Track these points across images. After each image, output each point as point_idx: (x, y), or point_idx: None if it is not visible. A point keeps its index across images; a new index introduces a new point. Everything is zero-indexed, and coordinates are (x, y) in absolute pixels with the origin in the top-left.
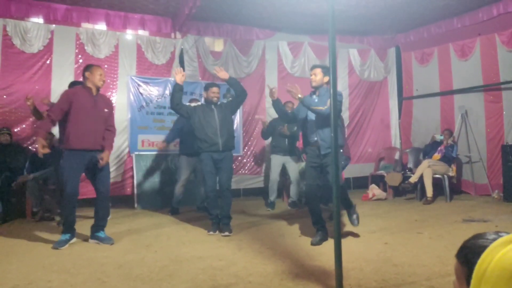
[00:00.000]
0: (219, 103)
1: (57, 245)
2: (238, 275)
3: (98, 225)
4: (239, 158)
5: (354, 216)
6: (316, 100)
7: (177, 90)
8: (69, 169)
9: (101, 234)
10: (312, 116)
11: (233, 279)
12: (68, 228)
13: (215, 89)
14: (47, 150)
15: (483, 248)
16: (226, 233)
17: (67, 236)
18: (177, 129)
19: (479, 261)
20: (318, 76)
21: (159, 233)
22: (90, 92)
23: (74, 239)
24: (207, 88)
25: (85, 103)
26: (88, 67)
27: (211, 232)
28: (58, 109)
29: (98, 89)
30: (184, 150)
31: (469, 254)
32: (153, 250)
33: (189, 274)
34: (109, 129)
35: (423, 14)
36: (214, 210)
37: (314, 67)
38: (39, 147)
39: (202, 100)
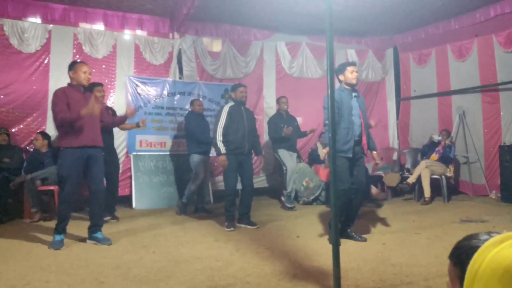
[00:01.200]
0: (243, 107)
1: (54, 246)
2: (236, 276)
3: (95, 226)
4: None
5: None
6: (357, 104)
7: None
8: (69, 167)
9: (98, 235)
10: (354, 117)
11: (231, 279)
12: (63, 228)
13: (242, 88)
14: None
15: (475, 248)
16: (257, 226)
17: (61, 236)
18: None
19: (471, 262)
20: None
21: (157, 233)
22: (79, 90)
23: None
24: (234, 89)
25: (78, 101)
26: (71, 66)
27: (232, 228)
28: (64, 106)
29: (85, 86)
30: (197, 149)
31: (461, 255)
32: (151, 250)
33: (187, 274)
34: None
35: (421, 15)
36: (233, 208)
37: (352, 64)
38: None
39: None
